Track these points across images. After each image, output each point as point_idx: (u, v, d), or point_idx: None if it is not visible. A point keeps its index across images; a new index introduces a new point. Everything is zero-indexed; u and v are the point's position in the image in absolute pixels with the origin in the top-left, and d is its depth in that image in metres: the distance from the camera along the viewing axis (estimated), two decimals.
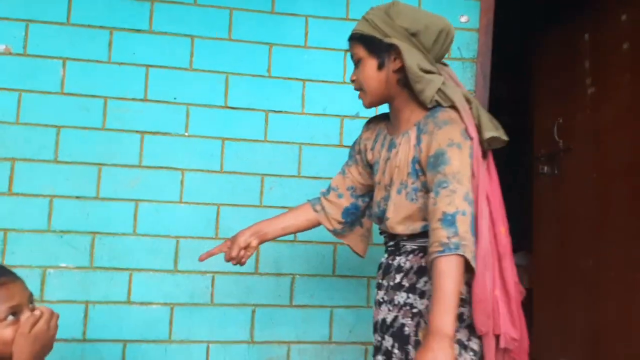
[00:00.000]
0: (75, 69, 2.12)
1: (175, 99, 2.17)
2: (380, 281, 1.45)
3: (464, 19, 2.34)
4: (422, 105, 1.37)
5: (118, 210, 2.10)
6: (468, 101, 1.36)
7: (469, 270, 1.19)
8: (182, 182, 2.15)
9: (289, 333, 2.14)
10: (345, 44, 2.21)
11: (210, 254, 1.60)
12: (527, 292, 1.45)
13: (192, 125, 2.18)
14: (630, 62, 2.71)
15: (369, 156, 1.53)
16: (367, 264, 2.20)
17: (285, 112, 2.23)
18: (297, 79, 2.24)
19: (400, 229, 1.36)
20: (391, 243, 1.44)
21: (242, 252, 1.56)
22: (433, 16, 1.37)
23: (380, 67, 1.38)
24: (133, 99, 2.15)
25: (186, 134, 2.17)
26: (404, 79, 1.36)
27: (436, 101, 1.35)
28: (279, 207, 2.18)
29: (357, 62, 1.42)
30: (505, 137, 1.35)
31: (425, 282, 1.31)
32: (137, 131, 2.14)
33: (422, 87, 1.33)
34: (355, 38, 1.41)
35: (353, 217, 1.60)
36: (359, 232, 1.63)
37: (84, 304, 2.05)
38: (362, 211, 1.62)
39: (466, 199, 1.21)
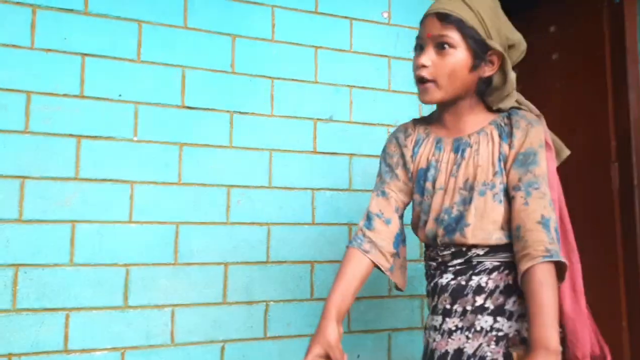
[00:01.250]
0: None
1: (120, 96, 1.79)
2: (448, 306, 1.22)
3: None
4: (487, 109, 1.28)
5: (49, 234, 1.67)
6: (538, 116, 1.30)
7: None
8: (131, 197, 1.77)
9: None
10: (315, 40, 2.03)
11: None
12: None
13: (142, 128, 1.80)
14: (560, 72, 2.81)
15: (410, 165, 1.31)
16: None
17: (252, 113, 1.93)
18: (264, 76, 1.96)
19: (482, 237, 1.18)
20: (459, 261, 1.22)
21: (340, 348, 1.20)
22: (518, 32, 1.28)
23: (474, 68, 1.19)
24: (65, 95, 1.73)
25: (134, 138, 1.79)
26: (482, 85, 1.24)
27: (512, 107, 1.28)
28: (248, 224, 1.88)
29: (443, 47, 1.17)
30: (568, 152, 1.36)
31: (514, 302, 1.17)
32: (71, 135, 1.72)
33: (508, 99, 1.25)
34: (452, 21, 1.16)
35: (401, 245, 1.32)
36: (398, 263, 1.32)
37: (6, 357, 1.59)
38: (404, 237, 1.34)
39: (551, 205, 1.15)
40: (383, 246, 1.28)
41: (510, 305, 1.17)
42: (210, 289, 1.82)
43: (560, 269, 1.10)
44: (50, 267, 1.66)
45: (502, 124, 1.23)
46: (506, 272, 1.18)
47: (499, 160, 1.21)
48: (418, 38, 1.23)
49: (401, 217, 1.35)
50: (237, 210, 1.87)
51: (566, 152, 1.32)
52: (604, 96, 2.60)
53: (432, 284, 1.28)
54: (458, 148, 1.25)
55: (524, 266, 1.08)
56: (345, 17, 2.10)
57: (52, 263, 1.66)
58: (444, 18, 1.16)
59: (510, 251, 1.17)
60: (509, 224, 1.17)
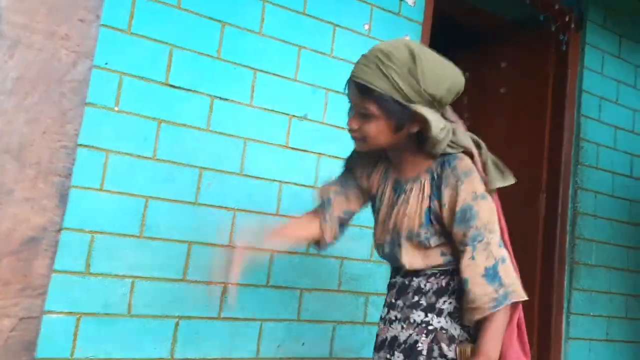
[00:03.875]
0: None
1: (106, 64, 1.79)
2: (393, 300, 1.40)
3: (407, 38, 2.38)
4: (427, 154, 1.32)
5: None
6: (478, 146, 1.34)
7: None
8: (105, 165, 1.78)
9: (214, 349, 1.90)
10: (300, 40, 2.13)
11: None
12: None
13: (124, 99, 1.82)
14: (506, 105, 3.08)
15: (364, 182, 1.48)
16: (301, 276, 2.08)
17: (232, 100, 1.99)
18: (248, 66, 2.03)
19: (418, 267, 1.34)
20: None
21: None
22: (451, 75, 1.27)
23: (397, 130, 1.25)
24: None
25: (116, 108, 1.80)
26: (416, 137, 1.29)
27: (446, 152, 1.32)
28: (215, 207, 1.94)
29: (364, 117, 1.25)
30: (513, 181, 1.35)
31: (444, 301, 1.31)
32: None
33: (437, 145, 1.27)
34: (367, 92, 1.22)
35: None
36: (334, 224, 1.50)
37: None
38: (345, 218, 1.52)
39: (500, 245, 1.26)
40: (332, 227, 1.48)
41: (440, 304, 1.31)
42: (171, 265, 1.85)
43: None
44: None
45: (435, 175, 1.30)
46: (441, 277, 1.33)
47: (427, 213, 1.30)
48: (347, 97, 1.30)
49: (351, 218, 1.53)
50: (207, 192, 1.92)
51: (497, 185, 1.31)
52: (542, 133, 2.88)
53: (388, 282, 1.47)
54: (395, 189, 1.38)
55: (475, 317, 1.23)
56: (330, 23, 2.21)
57: None
58: (363, 92, 1.22)
59: (446, 265, 1.32)
60: (448, 250, 1.31)
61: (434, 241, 1.31)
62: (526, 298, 1.24)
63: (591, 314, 2.81)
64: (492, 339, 1.23)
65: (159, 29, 1.88)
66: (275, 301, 2.02)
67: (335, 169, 2.07)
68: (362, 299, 2.19)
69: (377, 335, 1.43)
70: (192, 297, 1.88)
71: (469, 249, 1.24)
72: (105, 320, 1.74)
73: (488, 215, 1.25)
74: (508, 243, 1.33)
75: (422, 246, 1.32)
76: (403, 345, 1.31)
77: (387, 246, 1.38)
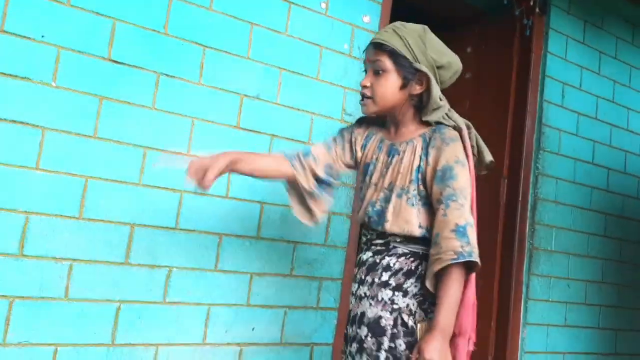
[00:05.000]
0: None
1: (43, 37, 1.71)
2: (363, 277, 1.46)
3: (366, 19, 2.33)
4: (424, 122, 1.48)
5: None
6: (468, 127, 1.48)
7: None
8: (41, 143, 1.70)
9: (158, 334, 1.85)
10: (252, 16, 2.06)
11: (169, 163, 1.47)
12: None
13: (62, 75, 1.74)
14: (471, 91, 3.05)
15: (359, 153, 1.57)
16: (252, 259, 2.03)
17: (180, 78, 1.92)
18: (197, 43, 1.96)
19: (397, 230, 1.40)
20: (380, 241, 1.45)
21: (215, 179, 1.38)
22: (453, 55, 1.48)
23: (403, 87, 1.44)
24: None
25: (53, 84, 1.72)
26: (416, 101, 1.46)
27: (438, 122, 1.46)
28: (160, 188, 1.87)
29: (378, 72, 1.44)
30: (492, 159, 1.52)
31: (411, 283, 1.39)
32: None
33: (435, 112, 1.44)
34: (386, 49, 1.42)
35: (325, 185, 1.57)
36: (327, 205, 1.58)
37: None
38: (330, 189, 1.59)
39: (471, 213, 1.35)
40: (308, 173, 1.53)
41: (407, 285, 1.39)
42: (113, 248, 1.79)
43: (472, 264, 1.32)
44: None
45: (428, 139, 1.44)
46: (412, 259, 1.41)
47: (417, 171, 1.42)
48: (364, 62, 1.50)
49: (333, 176, 1.59)
50: (152, 173, 1.85)
51: (488, 158, 1.49)
52: (505, 118, 2.85)
53: (357, 258, 1.53)
54: (390, 152, 1.49)
55: (435, 268, 1.30)
56: (285, 0, 2.14)
57: None
58: (379, 47, 1.43)
59: (421, 244, 1.40)
60: (426, 223, 1.39)
61: (417, 203, 1.40)
62: (480, 265, 1.31)
63: (550, 299, 2.81)
64: (446, 313, 1.29)
65: (100, 1, 1.79)
66: (223, 286, 1.97)
67: (289, 150, 2.03)
68: (316, 284, 2.15)
69: (350, 311, 1.50)
70: (135, 280, 1.82)
71: (442, 206, 1.33)
72: (39, 304, 1.67)
73: (465, 182, 1.35)
74: (475, 219, 1.40)
75: (409, 205, 1.39)
76: (369, 321, 1.40)
77: (380, 203, 1.44)
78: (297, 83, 2.14)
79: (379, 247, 1.45)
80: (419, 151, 1.42)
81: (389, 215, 1.41)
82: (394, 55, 1.42)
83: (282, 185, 2.01)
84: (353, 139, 1.58)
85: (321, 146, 1.58)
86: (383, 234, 1.44)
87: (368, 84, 1.45)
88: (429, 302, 1.37)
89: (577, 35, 2.99)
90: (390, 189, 1.43)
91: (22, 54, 1.67)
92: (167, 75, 1.90)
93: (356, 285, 1.47)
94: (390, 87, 1.44)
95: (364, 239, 1.52)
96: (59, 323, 1.70)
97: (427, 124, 1.47)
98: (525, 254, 2.75)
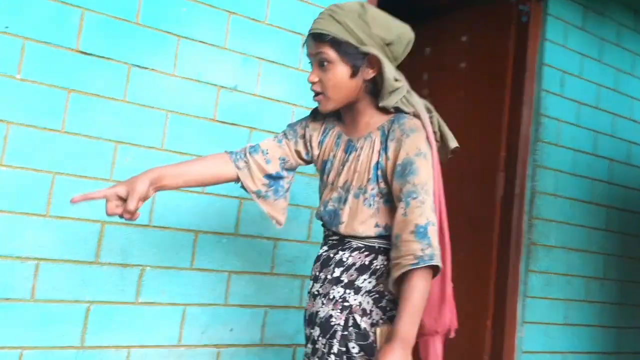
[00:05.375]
0: None
1: (6, 28, 1.64)
2: (317, 273, 1.36)
3: None
4: (382, 109, 1.34)
5: None
6: (429, 110, 1.36)
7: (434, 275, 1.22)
8: (5, 138, 1.63)
9: (130, 336, 1.78)
10: (229, 4, 1.97)
11: (86, 198, 1.25)
12: None
13: (28, 67, 1.67)
14: (466, 80, 2.94)
15: (315, 150, 1.45)
16: (230, 257, 1.96)
17: (153, 69, 1.85)
18: (171, 33, 1.88)
19: (352, 233, 1.31)
20: (335, 237, 1.36)
21: (140, 205, 1.25)
22: (400, 25, 1.34)
23: (354, 75, 1.30)
24: None
25: (18, 76, 1.65)
26: (371, 86, 1.33)
27: (397, 107, 1.33)
28: None
29: (323, 64, 1.30)
30: (457, 144, 1.40)
31: (365, 279, 1.28)
32: None
33: (392, 96, 1.31)
34: (326, 40, 1.28)
35: (277, 185, 1.44)
36: (282, 205, 1.46)
37: None
38: (287, 184, 1.47)
39: (433, 210, 1.22)
40: (255, 172, 1.41)
41: (360, 282, 1.28)
42: (82, 246, 1.72)
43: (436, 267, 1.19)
44: None
45: (386, 131, 1.31)
46: (365, 253, 1.30)
47: (375, 168, 1.30)
48: (307, 56, 1.35)
49: (289, 169, 1.47)
50: (123, 168, 1.78)
51: (453, 144, 1.37)
52: (500, 109, 2.75)
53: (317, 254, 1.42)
54: (347, 149, 1.37)
55: (395, 274, 1.18)
56: None
57: None
58: (318, 38, 1.29)
59: (377, 238, 1.30)
60: (386, 222, 1.28)
61: (377, 202, 1.29)
62: (441, 267, 1.20)
63: (548, 297, 2.71)
64: (409, 320, 1.16)
65: None
66: (199, 285, 1.90)
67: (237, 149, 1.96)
68: (298, 282, 2.07)
69: (305, 310, 1.40)
70: (106, 280, 1.75)
71: (402, 204, 1.22)
72: (3, 306, 1.61)
73: (426, 176, 1.23)
74: (443, 214, 1.31)
75: (366, 207, 1.29)
76: (320, 321, 1.30)
77: (333, 203, 1.35)
78: (276, 73, 2.06)
79: (332, 242, 1.35)
80: (377, 146, 1.31)
81: (344, 216, 1.31)
82: (336, 43, 1.27)
83: None
84: (308, 135, 1.45)
85: (270, 140, 1.46)
86: (337, 232, 1.34)
87: (316, 79, 1.32)
88: (387, 300, 1.26)
89: (577, 22, 2.87)
90: (346, 188, 1.33)
91: None
92: (139, 66, 1.82)
93: (311, 283, 1.38)
94: (339, 78, 1.29)
95: (323, 234, 1.42)
96: (25, 325, 1.64)
97: (386, 111, 1.34)
98: (522, 250, 2.65)
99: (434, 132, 1.33)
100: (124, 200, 1.25)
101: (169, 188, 1.35)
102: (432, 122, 1.33)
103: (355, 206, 1.30)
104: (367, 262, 1.29)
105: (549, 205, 2.74)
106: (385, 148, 1.29)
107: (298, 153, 1.46)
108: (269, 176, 1.42)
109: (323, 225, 1.41)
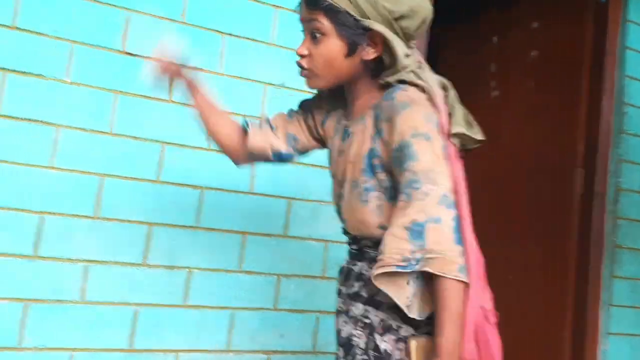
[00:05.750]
0: None
1: (55, 32, 1.66)
2: (340, 287, 1.22)
3: None
4: (380, 87, 1.13)
5: None
6: (445, 88, 1.14)
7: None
8: (55, 141, 1.65)
9: (178, 340, 1.75)
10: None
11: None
12: None
13: (76, 70, 1.68)
14: (537, 69, 2.72)
15: (320, 131, 1.29)
16: (278, 260, 1.89)
17: (199, 69, 1.81)
18: (216, 30, 1.84)
19: (359, 233, 1.15)
20: (355, 247, 1.19)
21: (174, 69, 1.26)
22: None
23: (350, 53, 1.09)
24: None
25: (67, 79, 1.67)
26: (374, 68, 1.12)
27: (401, 80, 1.11)
28: (179, 184, 1.78)
29: (315, 35, 1.09)
30: (480, 137, 1.13)
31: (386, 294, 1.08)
32: None
33: (399, 76, 1.09)
34: (321, 6, 1.07)
35: (279, 160, 1.31)
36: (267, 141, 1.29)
37: None
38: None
39: (443, 202, 0.99)
40: (265, 139, 1.27)
41: (380, 297, 1.08)
42: (129, 248, 1.71)
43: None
44: None
45: (378, 110, 1.10)
46: None
47: (368, 156, 1.10)
48: (300, 22, 1.15)
49: (299, 151, 1.31)
50: (170, 169, 1.77)
51: (456, 129, 1.09)
52: (577, 99, 2.52)
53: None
54: (343, 136, 1.19)
55: (375, 272, 1.00)
56: None
57: None
58: (312, 3, 1.08)
59: None
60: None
61: (376, 198, 1.09)
62: (460, 278, 0.97)
63: (636, 305, 2.43)
64: (452, 329, 0.97)
65: None
66: (248, 288, 1.84)
67: None
68: None
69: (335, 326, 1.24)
70: (153, 283, 1.74)
71: (403, 197, 1.01)
72: (54, 307, 1.63)
73: (430, 162, 1.00)
74: (467, 218, 1.05)
75: (360, 203, 1.10)
76: (343, 341, 1.15)
77: (337, 199, 1.21)
78: None
79: (353, 252, 1.19)
80: (370, 130, 1.10)
81: (345, 214, 1.16)
82: (332, 12, 1.05)
83: (312, 180, 1.85)
84: (313, 113, 1.28)
85: (279, 115, 1.30)
86: (355, 237, 1.17)
87: (305, 52, 1.11)
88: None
89: None
90: (342, 182, 1.17)
91: (35, 51, 1.64)
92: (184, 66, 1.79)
93: (336, 298, 1.23)
94: (332, 55, 1.08)
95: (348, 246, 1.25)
96: (75, 327, 1.65)
97: (387, 86, 1.11)
98: (604, 253, 2.40)
99: (449, 114, 1.10)
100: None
101: (195, 103, 1.31)
102: (447, 102, 1.11)
103: (350, 202, 1.13)
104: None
105: (636, 204, 2.47)
106: (378, 131, 1.08)
107: (310, 130, 1.29)
108: (277, 154, 1.27)
109: (343, 229, 1.25)
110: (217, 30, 1.84)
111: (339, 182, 1.20)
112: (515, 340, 2.38)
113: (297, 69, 1.15)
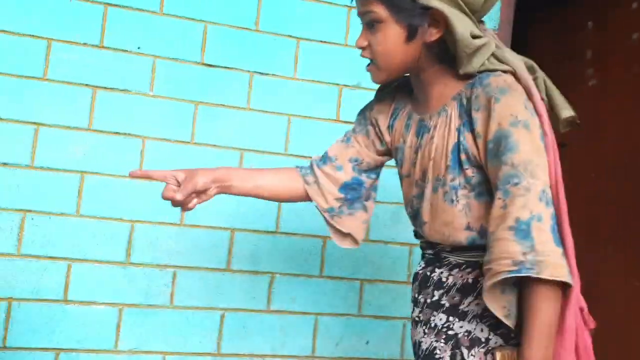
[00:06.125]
0: (11, 3, 1.66)
1: (139, 48, 1.74)
2: (416, 295, 1.14)
3: None
4: (460, 75, 1.03)
5: (58, 183, 1.66)
6: (532, 70, 1.04)
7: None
8: (142, 152, 1.73)
9: (263, 344, 1.77)
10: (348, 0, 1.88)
11: (145, 174, 1.16)
12: None
13: (159, 83, 1.75)
14: (639, 54, 2.47)
15: (387, 137, 1.20)
16: (361, 265, 1.85)
17: (274, 75, 1.83)
18: (290, 36, 1.85)
19: (439, 238, 1.07)
20: (430, 251, 1.12)
21: (193, 196, 1.13)
22: None
23: (410, 37, 1.01)
24: (85, 44, 1.71)
25: (150, 93, 1.74)
26: (439, 51, 1.03)
27: (485, 70, 1.01)
28: None
29: (372, 24, 1.03)
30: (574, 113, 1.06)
31: (470, 302, 1.02)
32: (87, 85, 1.70)
33: (474, 58, 1.00)
34: None
35: (354, 195, 1.22)
36: (361, 217, 1.23)
37: (7, 300, 1.61)
38: (367, 191, 1.24)
39: (542, 199, 0.90)
40: (325, 187, 1.21)
41: (465, 306, 1.02)
42: (214, 254, 1.75)
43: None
44: (56, 216, 1.66)
45: (464, 100, 1.01)
46: (468, 270, 1.04)
47: (455, 151, 1.02)
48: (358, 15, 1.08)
49: (366, 171, 1.23)
50: None
51: (566, 113, 1.04)
52: None
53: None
54: (419, 131, 1.10)
55: (487, 283, 0.92)
56: None
57: (59, 212, 1.66)
58: None
59: (477, 250, 1.02)
60: (481, 223, 1.01)
61: (463, 197, 1.01)
62: (568, 281, 0.88)
63: None
64: (539, 343, 0.89)
65: (192, 5, 1.79)
66: (330, 294, 1.82)
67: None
68: None
69: (412, 337, 1.17)
70: (237, 288, 1.76)
71: (500, 194, 0.92)
72: (147, 312, 1.70)
73: (531, 152, 0.92)
74: (565, 217, 0.95)
75: (447, 203, 1.03)
76: (423, 353, 1.07)
77: (414, 201, 1.11)
78: None
79: (429, 257, 1.12)
80: (455, 121, 1.02)
81: (425, 216, 1.07)
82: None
83: (392, 182, 1.80)
84: (374, 120, 1.20)
85: (337, 143, 1.23)
86: (430, 242, 1.10)
87: (364, 44, 1.05)
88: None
89: None
90: (424, 180, 1.07)
91: (120, 67, 1.73)
92: (260, 73, 1.82)
93: (412, 306, 1.15)
94: (391, 42, 1.01)
95: (420, 246, 1.18)
96: (166, 331, 1.71)
97: (466, 76, 1.02)
98: None
99: (542, 99, 1.01)
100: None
101: (236, 192, 1.20)
102: (537, 85, 1.01)
103: (435, 203, 1.05)
104: (470, 281, 1.03)
105: None
106: (468, 122, 1.00)
107: (373, 145, 1.21)
108: (344, 187, 1.20)
109: (415, 232, 1.18)
110: (291, 36, 1.85)
111: (414, 183, 1.11)
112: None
113: None
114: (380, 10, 1.00)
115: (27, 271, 1.63)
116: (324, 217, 1.23)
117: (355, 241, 1.24)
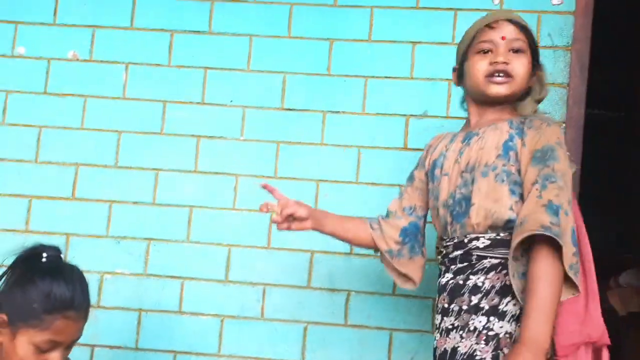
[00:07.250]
0: (136, 73, 2.12)
1: (231, 101, 2.09)
2: (446, 305, 1.28)
3: (556, 0, 1.99)
4: (513, 113, 1.37)
5: (173, 216, 2.06)
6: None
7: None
8: (235, 188, 2.05)
9: (343, 355, 1.95)
10: (414, 36, 2.03)
11: (272, 189, 1.52)
12: None
13: (248, 129, 2.07)
14: None
15: (427, 165, 1.47)
16: (432, 283, 1.93)
17: (344, 112, 2.04)
18: (358, 76, 2.05)
19: (482, 215, 1.23)
20: (458, 253, 1.27)
21: (291, 220, 1.44)
22: None
23: (531, 74, 1.37)
24: (190, 102, 2.10)
25: (241, 137, 2.07)
26: (524, 92, 1.38)
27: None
28: None
29: (518, 50, 1.34)
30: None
31: (509, 302, 1.17)
32: (193, 135, 2.09)
33: (535, 105, 1.38)
34: (525, 31, 1.36)
35: (413, 239, 1.47)
36: (419, 262, 1.48)
37: (138, 311, 2.03)
38: (423, 237, 1.49)
39: (570, 205, 1.15)
40: (387, 232, 1.47)
41: (504, 306, 1.17)
42: (296, 272, 2.00)
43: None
44: (172, 242, 2.05)
45: (515, 122, 1.30)
46: (504, 272, 1.18)
47: (505, 146, 1.25)
48: (485, 42, 1.34)
49: (423, 215, 1.49)
50: (325, 203, 2.00)
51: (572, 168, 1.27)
52: None
53: (437, 283, 1.34)
54: (466, 138, 1.36)
55: (516, 239, 1.11)
56: (450, 9, 2.04)
57: (174, 239, 2.05)
58: (519, 25, 1.34)
59: (504, 246, 1.19)
60: (518, 208, 1.21)
61: (509, 181, 1.23)
62: (574, 280, 1.05)
63: None
64: (538, 317, 1.06)
65: (273, 60, 2.08)
66: (403, 311, 1.94)
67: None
68: None
69: (435, 348, 1.31)
70: (317, 303, 1.98)
71: (537, 186, 1.16)
72: (242, 322, 1.99)
73: (566, 167, 1.20)
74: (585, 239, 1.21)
75: (498, 182, 1.23)
76: (462, 358, 1.19)
77: (458, 192, 1.30)
78: None
79: (459, 265, 1.25)
80: (505, 129, 1.28)
81: (475, 197, 1.24)
82: (530, 37, 1.35)
83: None
84: (416, 172, 1.51)
85: (394, 199, 1.54)
86: (461, 242, 1.24)
87: (507, 61, 1.31)
88: None
89: None
90: (471, 169, 1.28)
91: (217, 118, 2.08)
92: (332, 111, 2.05)
93: (439, 317, 1.29)
94: (527, 69, 1.34)
95: (439, 257, 1.31)
96: (258, 339, 1.98)
97: (516, 116, 1.35)
98: None
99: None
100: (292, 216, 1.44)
101: (322, 230, 1.52)
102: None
103: (485, 185, 1.24)
104: (508, 282, 1.16)
105: None
106: (520, 132, 1.26)
107: (420, 189, 1.48)
108: (404, 232, 1.44)
109: (439, 239, 1.34)
110: (359, 75, 2.05)
111: (459, 174, 1.30)
112: None
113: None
114: (525, 43, 1.35)
115: (152, 288, 2.03)
116: (385, 259, 1.48)
117: (414, 283, 1.48)
